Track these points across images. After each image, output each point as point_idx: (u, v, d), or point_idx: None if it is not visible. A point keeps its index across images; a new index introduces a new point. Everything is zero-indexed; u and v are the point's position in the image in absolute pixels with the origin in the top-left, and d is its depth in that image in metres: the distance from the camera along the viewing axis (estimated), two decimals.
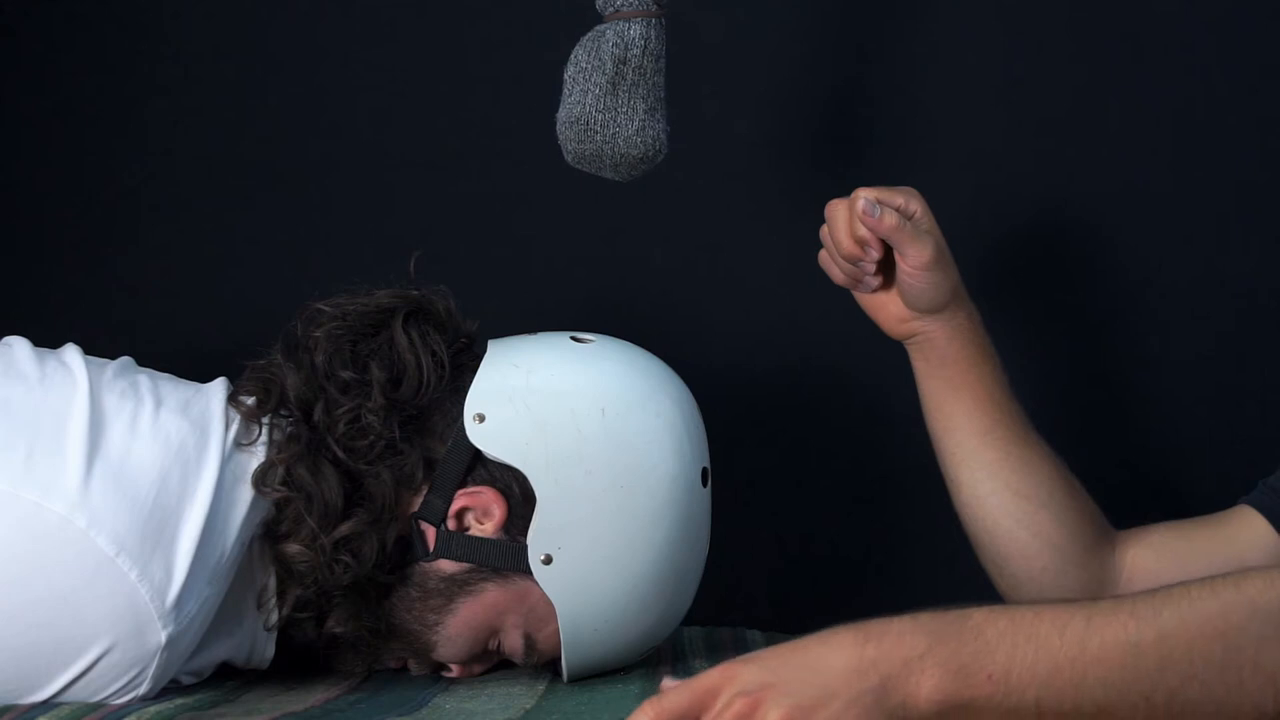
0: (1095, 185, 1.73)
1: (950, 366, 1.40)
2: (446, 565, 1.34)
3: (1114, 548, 1.40)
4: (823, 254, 1.43)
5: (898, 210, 1.35)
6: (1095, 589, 1.39)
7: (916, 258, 1.36)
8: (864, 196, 1.35)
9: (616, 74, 1.44)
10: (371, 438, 1.32)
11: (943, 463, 1.43)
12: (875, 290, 1.41)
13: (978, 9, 1.73)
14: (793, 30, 1.73)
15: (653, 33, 1.45)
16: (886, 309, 1.42)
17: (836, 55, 1.73)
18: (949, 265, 1.39)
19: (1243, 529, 1.38)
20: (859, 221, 1.36)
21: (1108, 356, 1.73)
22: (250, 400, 1.33)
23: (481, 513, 1.34)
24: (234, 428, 1.31)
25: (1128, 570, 1.40)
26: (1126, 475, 1.69)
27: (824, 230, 1.41)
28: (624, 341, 1.42)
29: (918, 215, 1.37)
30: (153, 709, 1.22)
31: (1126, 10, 1.72)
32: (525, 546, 1.32)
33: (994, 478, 1.39)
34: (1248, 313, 1.72)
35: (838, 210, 1.39)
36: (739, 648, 1.55)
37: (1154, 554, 1.40)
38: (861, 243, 1.37)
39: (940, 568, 1.73)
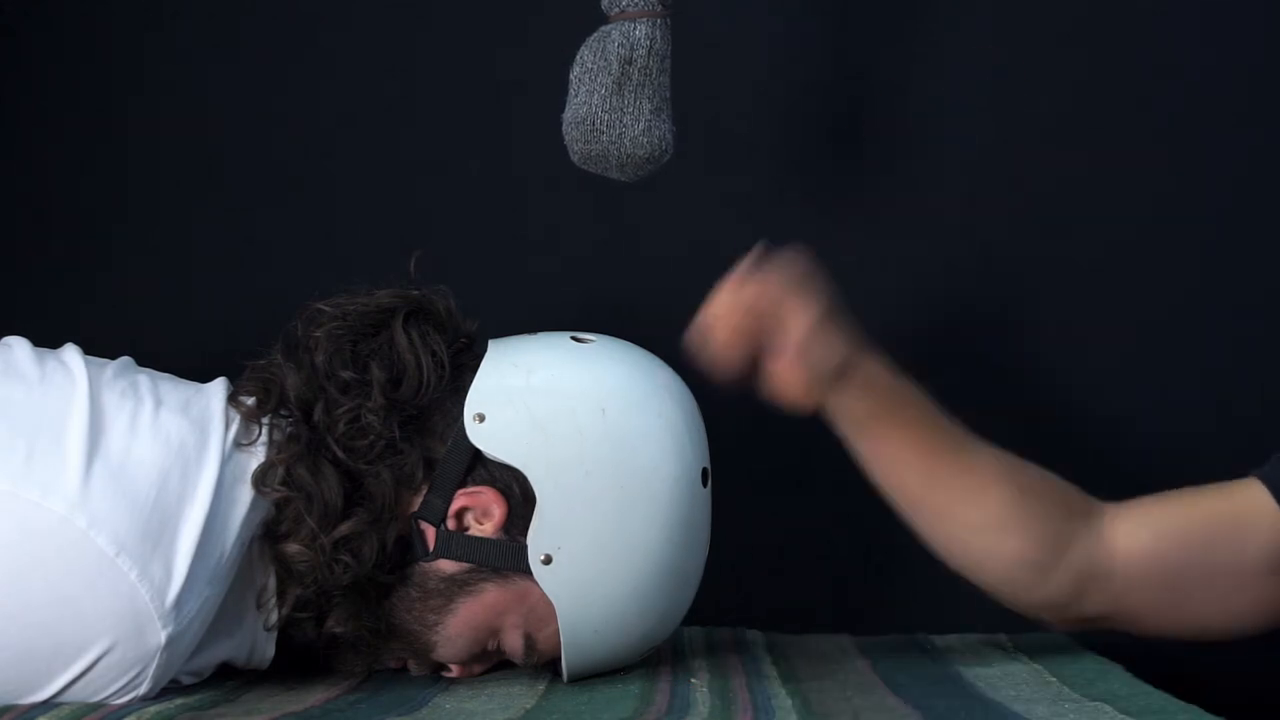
0: (1094, 184, 1.73)
1: (870, 422, 1.37)
2: (446, 565, 1.34)
3: (1099, 535, 1.37)
4: (701, 354, 1.37)
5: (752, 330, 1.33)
6: (1084, 580, 1.37)
7: (792, 334, 1.33)
8: (687, 339, 1.34)
9: (622, 74, 1.44)
10: (371, 437, 1.32)
11: (895, 506, 1.41)
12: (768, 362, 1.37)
13: (978, 9, 1.73)
14: (793, 30, 1.73)
15: (658, 33, 1.45)
16: (785, 386, 1.37)
17: (837, 55, 1.73)
18: (830, 340, 1.35)
19: (1247, 505, 1.35)
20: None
21: (1106, 357, 1.73)
22: (250, 400, 1.33)
23: (481, 513, 1.34)
24: (234, 428, 1.31)
25: (1123, 549, 1.36)
26: (1128, 480, 1.69)
27: (689, 339, 1.37)
28: (624, 341, 1.42)
29: (781, 325, 1.33)
30: (153, 709, 1.22)
31: (1127, 11, 1.72)
32: (525, 546, 1.32)
33: (948, 514, 1.38)
34: (1247, 312, 1.72)
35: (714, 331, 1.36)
36: (739, 648, 1.55)
37: (1150, 532, 1.37)
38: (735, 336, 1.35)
39: (940, 567, 1.73)
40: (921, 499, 1.39)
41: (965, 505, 1.38)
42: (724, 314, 1.36)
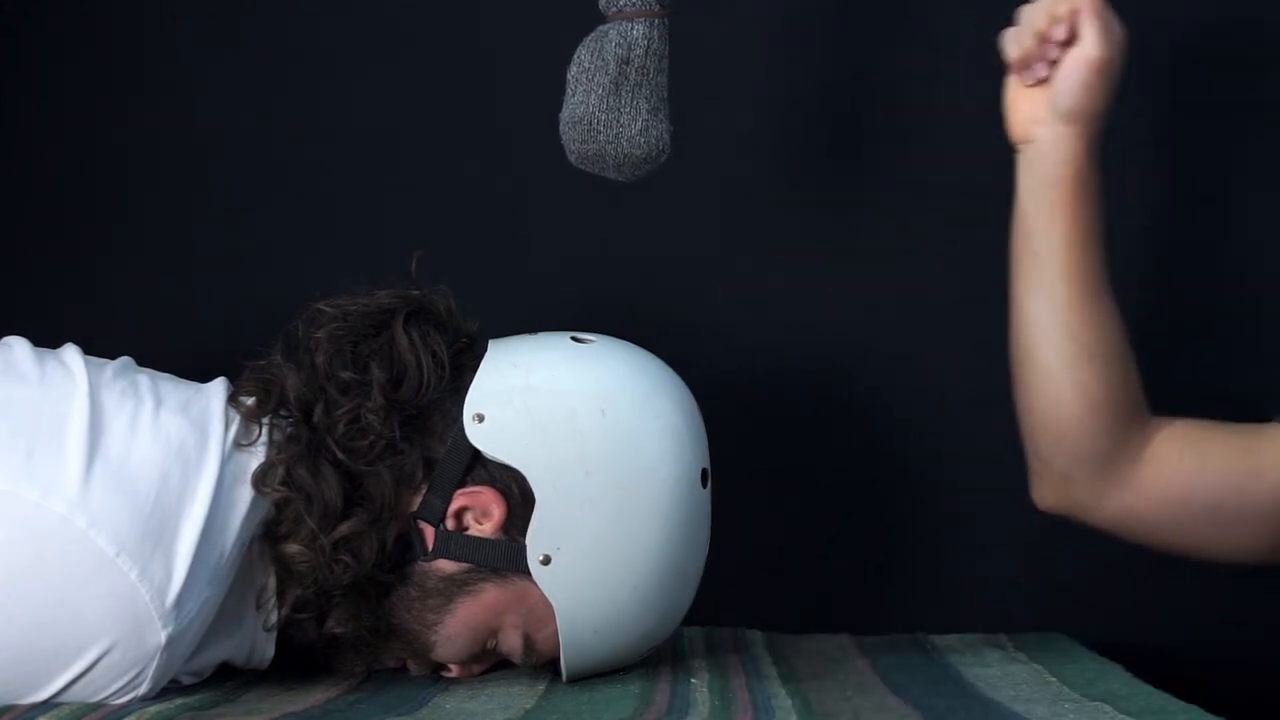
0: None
1: (1054, 190, 1.40)
2: (445, 565, 1.34)
3: (1143, 427, 1.40)
4: (1009, 30, 1.42)
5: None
6: (1112, 454, 1.39)
7: (1096, 48, 1.36)
8: None
9: (620, 74, 1.44)
10: (371, 438, 1.32)
11: (1015, 282, 1.43)
12: (1038, 82, 1.41)
13: (979, 9, 1.73)
14: (793, 30, 1.73)
15: (656, 33, 1.45)
16: (1025, 106, 1.42)
17: (837, 55, 1.73)
18: (1108, 88, 1.38)
19: (1269, 447, 1.37)
20: None
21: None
22: (250, 400, 1.33)
23: (480, 513, 1.34)
24: (234, 428, 1.31)
25: (1149, 453, 1.39)
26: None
27: (1025, 6, 1.41)
28: (624, 342, 1.42)
29: (1115, 31, 1.37)
30: (153, 709, 1.22)
31: (1127, 11, 1.72)
32: (524, 547, 1.32)
33: (1057, 313, 1.39)
34: (1249, 311, 1.72)
35: None
36: (739, 648, 1.55)
37: (1178, 446, 1.39)
38: (1054, 20, 1.37)
39: (940, 568, 1.74)
40: (1050, 284, 1.40)
41: (1080, 316, 1.39)
42: (1037, 10, 1.39)
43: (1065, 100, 1.39)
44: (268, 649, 1.34)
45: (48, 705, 1.22)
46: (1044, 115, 1.41)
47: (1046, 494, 1.43)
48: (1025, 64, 1.41)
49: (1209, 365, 1.70)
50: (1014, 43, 1.42)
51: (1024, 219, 1.43)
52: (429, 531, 1.34)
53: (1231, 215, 1.73)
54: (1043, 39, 1.39)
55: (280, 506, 1.30)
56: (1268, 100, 1.72)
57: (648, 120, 1.45)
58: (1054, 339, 1.39)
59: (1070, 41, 1.38)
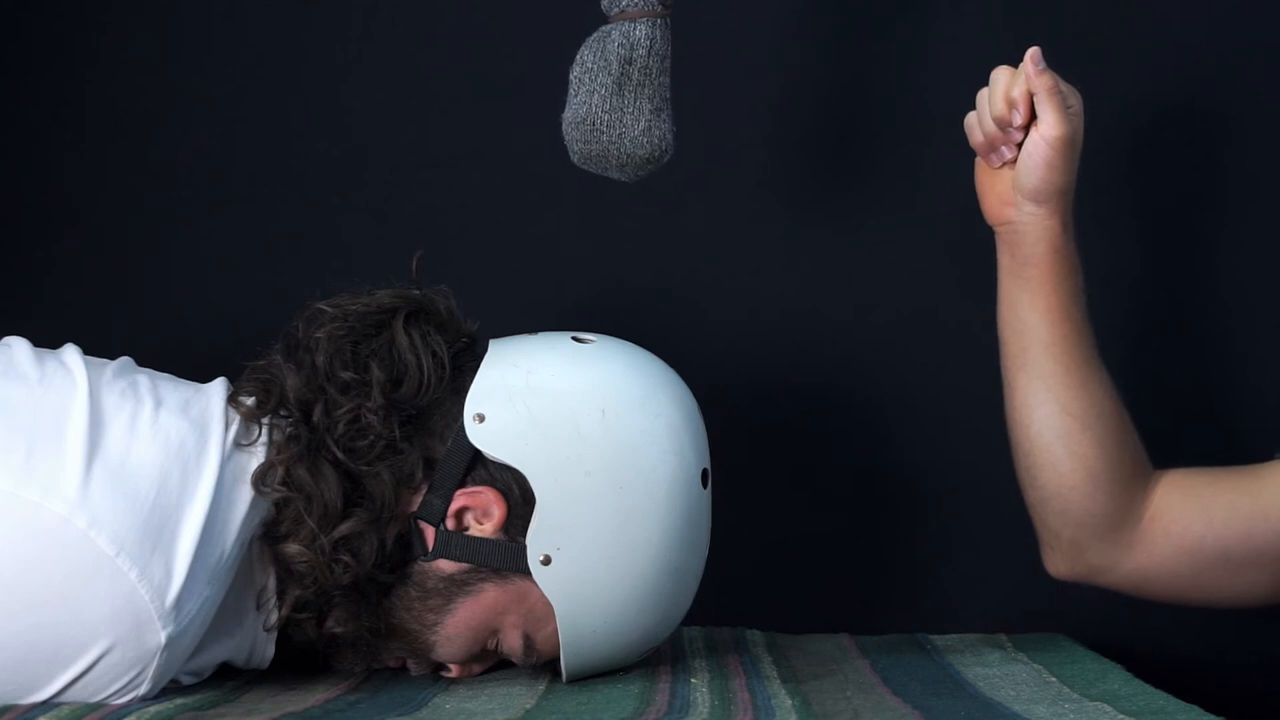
0: (1094, 183, 1.73)
1: (1033, 268, 1.40)
2: (445, 565, 1.34)
3: (1147, 484, 1.41)
4: (971, 116, 1.42)
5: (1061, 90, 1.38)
6: (1119, 519, 1.39)
7: (1054, 128, 1.36)
8: (1037, 48, 1.36)
9: (622, 74, 1.44)
10: (371, 438, 1.32)
11: (1004, 361, 1.43)
12: (1003, 164, 1.41)
13: (979, 9, 1.73)
14: (793, 30, 1.73)
15: (658, 33, 1.45)
16: (994, 188, 1.42)
17: (837, 56, 1.73)
18: (1071, 165, 1.39)
19: (1273, 485, 1.38)
20: (1020, 79, 1.37)
21: (1107, 357, 1.73)
22: (250, 401, 1.33)
23: (481, 513, 1.34)
24: (234, 428, 1.31)
25: (1154, 507, 1.40)
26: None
27: (982, 92, 1.41)
28: (624, 342, 1.42)
29: (1073, 107, 1.38)
30: (153, 709, 1.22)
31: (1128, 10, 1.72)
32: (524, 547, 1.32)
33: (1048, 389, 1.40)
34: (1249, 312, 1.73)
35: (1001, 73, 1.40)
36: (739, 648, 1.55)
37: (1181, 495, 1.40)
38: (1011, 105, 1.38)
39: (940, 568, 1.73)
40: (1038, 359, 1.41)
41: (1072, 389, 1.39)
42: (995, 88, 1.39)
43: (1029, 180, 1.39)
44: (268, 649, 1.34)
45: (48, 705, 1.21)
46: (1011, 196, 1.41)
47: (1059, 564, 1.44)
48: (990, 148, 1.42)
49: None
50: (976, 128, 1.42)
51: (1006, 298, 1.43)
52: (429, 531, 1.34)
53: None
54: (1003, 123, 1.39)
55: (280, 506, 1.30)
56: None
57: (650, 120, 1.45)
58: (1048, 414, 1.40)
59: (1031, 122, 1.38)
